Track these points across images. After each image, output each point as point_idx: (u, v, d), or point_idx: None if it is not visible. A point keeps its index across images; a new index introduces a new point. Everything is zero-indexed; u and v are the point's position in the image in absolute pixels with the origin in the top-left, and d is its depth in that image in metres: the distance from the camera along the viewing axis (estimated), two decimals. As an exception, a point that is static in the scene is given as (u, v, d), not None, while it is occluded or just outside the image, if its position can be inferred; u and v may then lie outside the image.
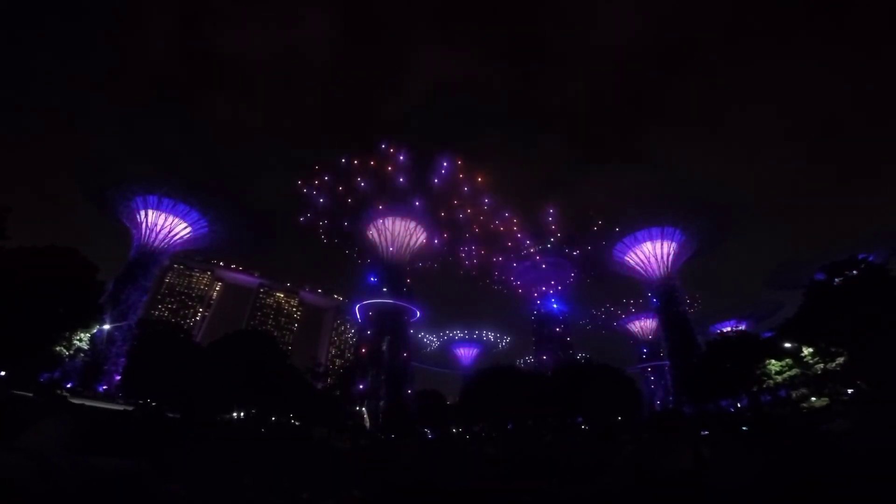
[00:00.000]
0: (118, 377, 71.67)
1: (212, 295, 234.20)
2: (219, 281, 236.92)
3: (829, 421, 41.17)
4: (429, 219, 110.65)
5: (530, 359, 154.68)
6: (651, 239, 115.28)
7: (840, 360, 43.54)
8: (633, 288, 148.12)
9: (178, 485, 18.15)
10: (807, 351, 46.88)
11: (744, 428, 42.75)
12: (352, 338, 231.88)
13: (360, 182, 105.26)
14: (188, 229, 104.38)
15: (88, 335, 45.31)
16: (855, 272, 54.12)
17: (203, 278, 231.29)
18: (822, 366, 44.70)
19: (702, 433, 40.45)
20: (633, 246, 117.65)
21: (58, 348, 41.65)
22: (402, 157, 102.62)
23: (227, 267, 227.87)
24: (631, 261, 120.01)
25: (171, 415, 44.55)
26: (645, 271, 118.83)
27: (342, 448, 44.39)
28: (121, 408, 44.09)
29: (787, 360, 49.05)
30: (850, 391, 43.59)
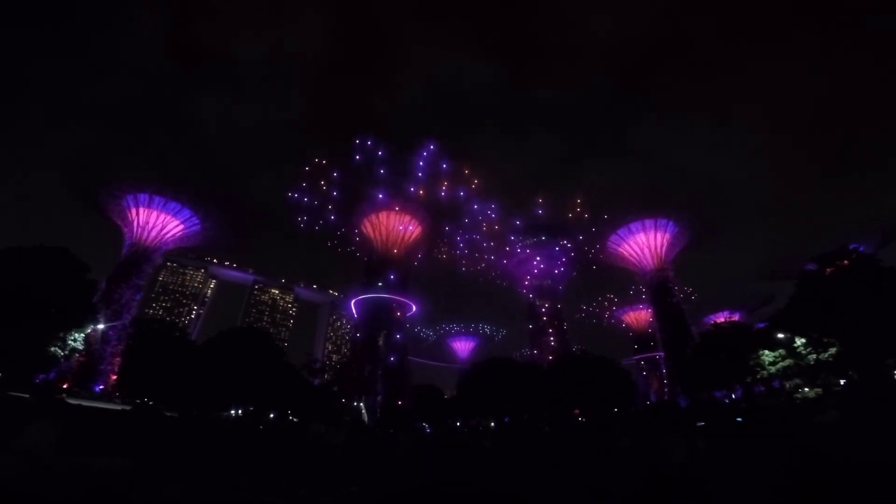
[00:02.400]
0: (114, 377, 71.33)
1: (206, 292, 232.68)
2: (213, 278, 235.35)
3: (822, 412, 41.85)
4: (423, 213, 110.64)
5: (527, 351, 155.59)
6: (644, 230, 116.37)
7: (832, 350, 44.09)
8: (628, 279, 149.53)
9: (175, 485, 18.04)
10: (799, 341, 47.39)
11: (738, 419, 43.32)
12: (347, 333, 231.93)
13: (353, 178, 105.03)
14: (180, 227, 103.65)
15: (83, 335, 44.97)
16: (846, 262, 54.80)
17: (197, 276, 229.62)
18: (814, 356, 45.25)
19: (697, 424, 41.12)
20: (627, 237, 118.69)
21: (52, 349, 41.34)
22: (381, 153, 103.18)
23: (220, 264, 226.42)
24: (625, 252, 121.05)
25: (168, 414, 44.45)
26: (639, 262, 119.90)
27: (339, 444, 44.64)
28: (118, 407, 43.87)
29: (781, 350, 49.59)
30: (842, 382, 44.17)
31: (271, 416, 66.78)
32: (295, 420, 70.64)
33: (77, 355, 48.10)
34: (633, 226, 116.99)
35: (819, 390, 44.36)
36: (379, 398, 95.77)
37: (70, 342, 43.25)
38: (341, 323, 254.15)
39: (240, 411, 64.56)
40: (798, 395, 46.23)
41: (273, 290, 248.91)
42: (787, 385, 47.72)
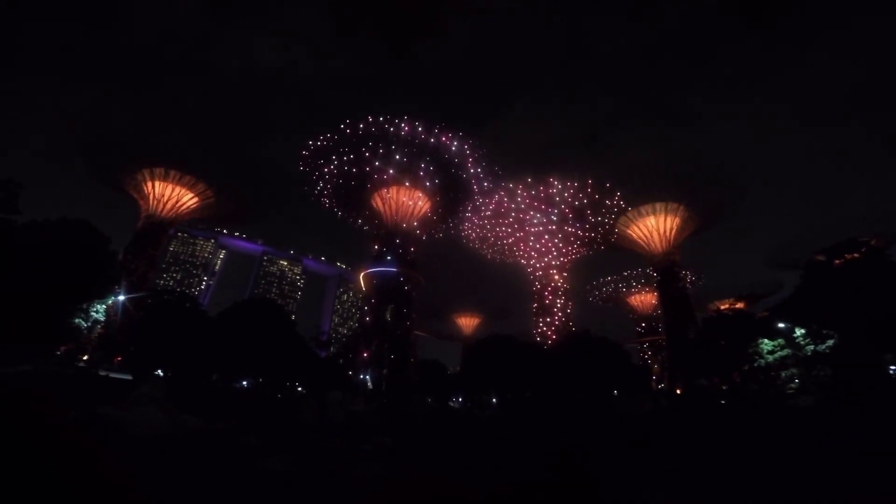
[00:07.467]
0: (131, 348, 73.31)
1: (216, 263, 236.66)
2: (222, 249, 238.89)
3: (796, 398, 43.49)
4: (433, 188, 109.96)
5: (533, 329, 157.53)
6: (654, 213, 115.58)
7: (830, 342, 44.82)
8: (635, 261, 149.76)
9: (248, 436, 21.60)
10: (799, 332, 48.11)
11: (721, 402, 45.07)
12: (354, 306, 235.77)
13: (367, 151, 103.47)
14: (195, 200, 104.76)
15: (104, 306, 46.71)
16: (856, 255, 54.65)
17: (207, 246, 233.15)
18: (812, 347, 46.03)
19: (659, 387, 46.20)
20: (637, 219, 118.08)
21: (76, 320, 43.17)
22: (406, 128, 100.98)
23: (230, 234, 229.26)
24: (633, 234, 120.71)
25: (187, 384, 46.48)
26: (647, 245, 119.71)
27: (356, 410, 48.29)
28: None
29: (780, 340, 50.38)
30: (832, 373, 45.07)
31: (287, 384, 68.95)
32: (303, 391, 73.21)
33: (99, 327, 50.04)
34: (643, 208, 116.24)
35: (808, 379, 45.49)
36: (384, 371, 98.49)
37: (93, 313, 45.02)
38: (348, 296, 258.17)
39: (252, 383, 66.98)
40: (792, 385, 47.34)
41: (282, 262, 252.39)
42: (783, 374, 48.74)
